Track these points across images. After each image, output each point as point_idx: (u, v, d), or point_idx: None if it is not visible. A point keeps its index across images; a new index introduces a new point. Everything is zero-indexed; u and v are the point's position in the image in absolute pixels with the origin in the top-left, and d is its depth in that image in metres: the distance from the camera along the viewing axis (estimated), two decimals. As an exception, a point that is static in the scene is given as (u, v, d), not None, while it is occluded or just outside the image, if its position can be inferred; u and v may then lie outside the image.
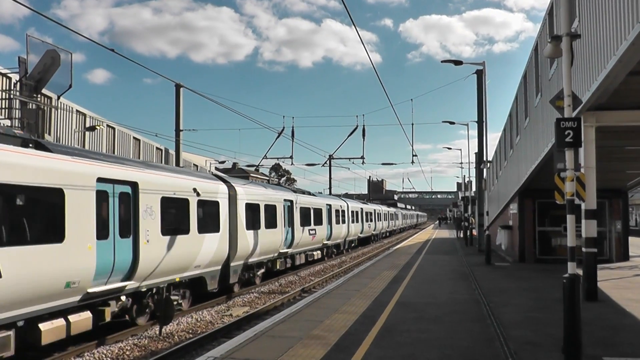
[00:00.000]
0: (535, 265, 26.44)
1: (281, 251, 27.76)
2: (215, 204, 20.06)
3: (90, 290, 13.11)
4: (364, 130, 42.42)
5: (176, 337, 15.35)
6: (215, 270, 20.08)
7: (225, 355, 9.71)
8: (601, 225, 26.05)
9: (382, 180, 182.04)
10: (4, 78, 28.00)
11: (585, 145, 14.74)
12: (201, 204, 18.79)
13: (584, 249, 15.09)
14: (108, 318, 14.21)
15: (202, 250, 18.66)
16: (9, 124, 21.07)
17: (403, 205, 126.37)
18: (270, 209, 26.07)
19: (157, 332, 15.48)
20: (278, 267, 27.98)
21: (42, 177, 11.71)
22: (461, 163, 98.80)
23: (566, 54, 10.15)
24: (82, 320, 13.07)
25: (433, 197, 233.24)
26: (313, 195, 36.35)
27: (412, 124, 64.87)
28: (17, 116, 20.54)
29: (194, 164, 53.86)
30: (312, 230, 33.23)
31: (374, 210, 60.52)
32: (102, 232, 13.56)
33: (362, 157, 47.54)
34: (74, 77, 20.47)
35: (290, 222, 29.32)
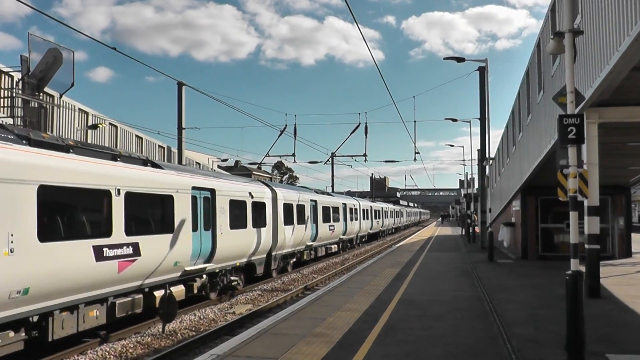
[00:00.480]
0: (538, 262, 26.42)
1: (308, 244, 32.66)
2: (263, 205, 24.91)
3: (187, 268, 17.78)
4: (366, 127, 42.32)
5: (179, 334, 15.36)
6: (261, 258, 25.02)
7: (228, 353, 9.71)
8: (604, 221, 26.01)
9: (385, 177, 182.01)
10: (6, 76, 28.02)
11: (588, 142, 14.72)
12: (254, 204, 23.64)
13: (586, 246, 15.08)
14: (195, 291, 18.77)
15: (254, 242, 23.54)
16: (11, 122, 21.08)
17: (405, 203, 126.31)
18: (300, 208, 30.90)
19: (160, 330, 15.49)
20: (305, 258, 32.81)
21: (161, 186, 16.55)
22: (464, 160, 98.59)
23: (569, 51, 10.13)
24: (179, 291, 17.40)
25: (435, 194, 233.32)
26: (331, 195, 42.14)
27: (415, 121, 64.95)
28: (19, 114, 20.54)
29: (196, 162, 53.88)
30: (331, 226, 38.27)
31: (382, 208, 65.10)
32: (194, 226, 18.33)
33: (365, 155, 47.43)
34: (76, 75, 20.48)
35: (314, 219, 34.02)
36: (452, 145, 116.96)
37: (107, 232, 13.99)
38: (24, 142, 12.05)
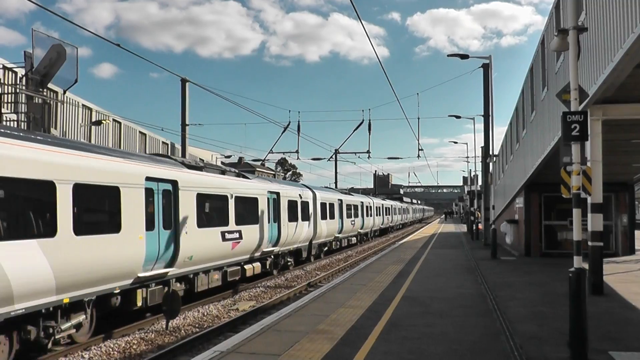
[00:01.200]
0: (541, 259, 26.41)
1: (336, 235, 39.23)
2: (307, 203, 31.70)
3: (264, 250, 24.38)
4: (369, 124, 42.36)
5: (183, 331, 15.39)
6: (306, 245, 32.00)
7: (231, 350, 9.73)
8: (607, 219, 25.96)
9: (388, 174, 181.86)
10: (10, 72, 28.07)
11: (592, 139, 14.69)
12: (302, 203, 30.56)
13: (590, 243, 15.07)
14: (267, 267, 25.17)
15: (303, 232, 30.60)
16: (15, 118, 21.12)
17: (409, 200, 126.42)
18: (331, 206, 37.63)
19: (164, 326, 15.53)
20: (333, 247, 39.92)
21: (252, 192, 23.31)
22: (467, 157, 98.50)
23: (573, 48, 10.11)
24: (257, 266, 23.75)
25: (439, 191, 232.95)
26: (352, 195, 48.49)
27: (418, 118, 64.67)
28: (23, 110, 20.58)
29: (199, 159, 53.92)
30: (352, 221, 44.77)
31: (391, 205, 73.15)
32: (274, 218, 25.41)
33: (368, 152, 47.45)
34: (79, 71, 20.52)
35: (340, 215, 40.47)
36: (455, 142, 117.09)
37: (227, 223, 20.52)
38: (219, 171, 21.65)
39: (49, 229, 11.73)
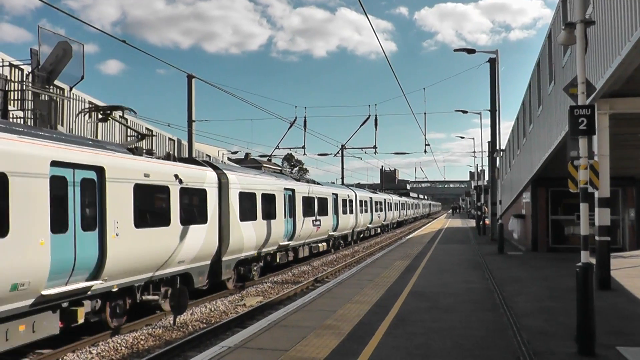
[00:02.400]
0: (548, 254, 26.36)
1: (368, 226, 49.69)
2: (352, 201, 42.29)
3: (330, 233, 35.13)
4: (376, 119, 42.21)
5: (190, 326, 15.43)
6: (350, 232, 42.33)
7: (239, 345, 9.75)
8: (614, 213, 25.90)
9: (395, 169, 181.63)
10: (17, 70, 28.13)
11: (599, 133, 14.65)
12: (349, 201, 41.27)
13: (597, 238, 15.03)
14: (331, 245, 35.73)
15: (350, 222, 41.36)
16: (22, 115, 21.17)
17: (416, 195, 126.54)
18: (365, 202, 47.59)
19: (171, 322, 15.56)
20: (365, 234, 49.18)
21: (323, 194, 33.87)
22: (474, 152, 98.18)
23: (580, 41, 10.06)
24: (324, 245, 33.57)
25: (445, 186, 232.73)
26: (377, 192, 59.17)
27: (425, 113, 64.60)
28: (29, 107, 20.62)
29: (206, 154, 53.97)
30: (378, 215, 54.46)
31: (406, 201, 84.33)
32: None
33: (375, 147, 47.29)
34: (86, 68, 20.51)
35: (370, 209, 49.54)
36: (462, 137, 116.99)
37: (313, 214, 30.91)
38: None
39: None
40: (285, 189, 26.56)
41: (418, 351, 9.29)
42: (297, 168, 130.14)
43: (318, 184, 35.34)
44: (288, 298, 19.67)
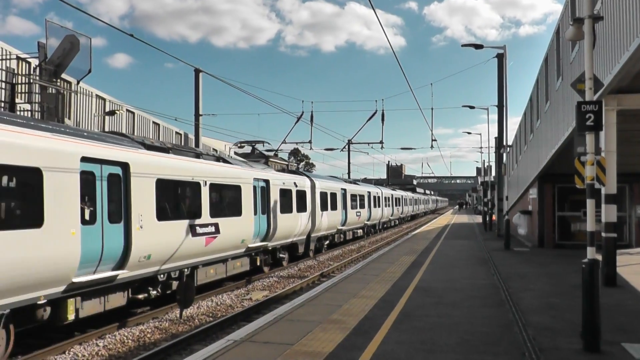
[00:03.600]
0: (554, 251, 26.33)
1: (389, 218, 58.65)
2: (379, 197, 50.88)
3: (366, 222, 45.24)
4: (383, 114, 42.29)
5: (196, 320, 15.48)
6: (378, 222, 51.84)
7: (245, 339, 9.78)
8: (621, 210, 25.80)
9: (401, 165, 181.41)
10: (24, 63, 28.22)
11: (606, 129, 14.62)
12: (380, 197, 51.70)
13: (603, 234, 15.00)
14: (364, 232, 45.46)
15: (379, 214, 50.81)
16: (29, 108, 21.23)
17: (422, 191, 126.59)
18: (388, 199, 57.16)
19: (178, 316, 15.62)
20: (379, 227, 54.16)
21: (360, 192, 42.89)
22: (481, 147, 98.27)
23: (588, 37, 10.03)
24: (361, 230, 43.84)
25: (452, 182, 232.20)
26: (395, 190, 68.86)
27: (432, 109, 64.66)
28: (37, 100, 20.68)
29: (213, 149, 54.02)
30: (397, 208, 63.99)
31: (417, 197, 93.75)
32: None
33: (381, 142, 47.46)
34: (93, 61, 20.57)
35: (391, 204, 58.96)
36: (469, 133, 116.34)
37: (356, 207, 40.43)
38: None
39: None
40: (341, 188, 37.25)
41: (423, 346, 9.30)
42: (303, 163, 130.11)
43: (357, 183, 46.86)
44: (294, 292, 19.70)
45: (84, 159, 12.63)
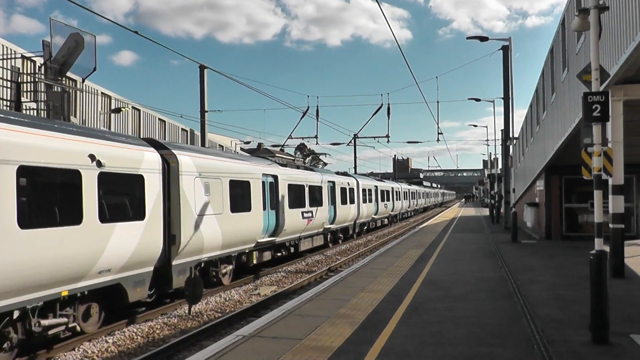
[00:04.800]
0: (561, 243, 26.29)
1: (407, 209, 67.96)
2: (399, 192, 60.62)
3: (391, 213, 56.05)
4: (388, 108, 42.17)
5: (205, 316, 15.52)
6: (389, 215, 54.74)
7: (254, 334, 9.81)
8: (628, 201, 25.72)
9: (408, 158, 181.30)
10: (29, 61, 28.27)
11: (613, 120, 14.56)
12: (405, 193, 66.95)
13: (611, 225, 14.96)
14: (388, 220, 54.99)
15: (400, 206, 61.89)
16: (35, 107, 21.28)
17: (429, 184, 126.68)
18: (406, 193, 66.48)
19: (186, 312, 15.66)
20: (399, 218, 63.41)
21: (386, 188, 52.88)
22: (487, 140, 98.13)
23: (594, 27, 9.99)
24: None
25: (459, 175, 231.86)
26: (411, 185, 78.81)
27: (438, 102, 64.46)
28: (42, 99, 20.73)
29: (219, 145, 54.07)
30: (412, 202, 73.98)
31: (428, 190, 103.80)
32: (403, 198, 61.64)
33: (387, 136, 47.32)
34: (98, 59, 20.60)
35: (408, 197, 67.64)
36: (475, 126, 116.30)
37: (388, 199, 53.01)
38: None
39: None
40: (374, 185, 47.09)
41: (432, 339, 9.31)
42: (310, 157, 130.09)
43: (383, 181, 55.39)
44: (302, 287, 19.74)
45: (264, 175, 22.77)
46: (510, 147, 38.06)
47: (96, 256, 12.58)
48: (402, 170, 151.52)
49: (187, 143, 46.28)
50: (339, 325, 10.40)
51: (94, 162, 12.70)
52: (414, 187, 78.23)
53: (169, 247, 15.66)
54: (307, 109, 39.61)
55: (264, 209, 22.22)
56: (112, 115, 38.40)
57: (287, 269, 24.16)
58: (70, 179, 12.13)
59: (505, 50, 35.47)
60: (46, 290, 11.41)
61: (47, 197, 11.77)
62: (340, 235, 36.12)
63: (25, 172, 10.80)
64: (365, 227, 44.14)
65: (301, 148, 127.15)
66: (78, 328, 12.67)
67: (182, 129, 49.89)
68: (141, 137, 19.12)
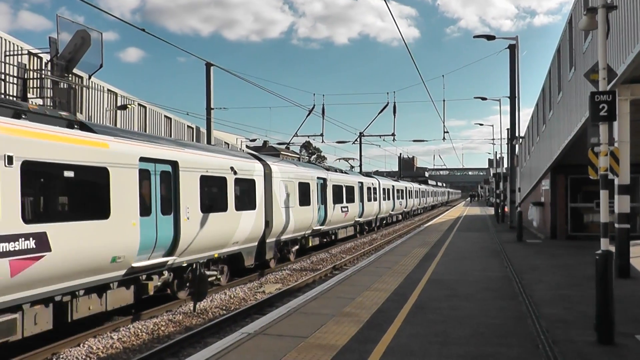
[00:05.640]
0: (567, 242, 26.23)
1: (420, 206, 76.75)
2: (413, 191, 69.58)
3: (404, 210, 62.01)
4: (394, 107, 42.14)
5: (210, 313, 15.54)
6: (417, 209, 74.48)
7: (259, 331, 9.81)
8: (634, 200, 25.63)
9: (413, 157, 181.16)
10: (36, 58, 28.34)
11: (620, 119, 14.51)
12: (418, 191, 75.15)
13: (616, 225, 14.92)
14: (401, 217, 60.78)
15: (413, 203, 69.43)
16: (41, 103, 21.34)
17: (434, 183, 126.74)
18: (421, 192, 76.36)
19: (191, 309, 15.69)
20: (411, 214, 69.22)
21: (402, 187, 59.50)
22: (493, 139, 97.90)
23: (602, 26, 9.96)
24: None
25: (464, 173, 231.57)
26: (421, 185, 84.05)
27: (444, 100, 64.22)
28: (49, 95, 20.78)
29: (225, 142, 54.12)
30: (424, 200, 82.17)
31: (436, 189, 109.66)
32: (415, 196, 70.78)
33: (393, 134, 47.23)
34: (105, 56, 20.71)
35: (420, 196, 75.69)
36: (481, 124, 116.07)
37: (403, 197, 59.78)
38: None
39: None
40: (405, 187, 59.39)
41: (437, 339, 9.30)
42: (315, 156, 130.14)
43: (398, 181, 60.74)
44: (307, 285, 19.75)
45: (318, 178, 28.66)
46: (516, 146, 38.01)
47: (233, 233, 18.77)
48: (407, 169, 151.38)
49: (192, 140, 46.31)
50: (343, 323, 10.40)
51: (232, 171, 18.90)
52: (423, 187, 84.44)
53: (265, 229, 21.63)
54: (313, 107, 39.62)
55: (317, 204, 28.53)
56: (118, 112, 38.47)
57: (292, 267, 24.17)
58: (221, 182, 18.28)
59: (512, 49, 35.44)
60: (208, 252, 17.42)
61: (213, 194, 17.85)
62: (366, 227, 42.49)
63: (203, 179, 16.87)
64: (384, 222, 50.25)
65: (306, 146, 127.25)
66: (221, 279, 18.90)
67: (188, 126, 49.96)
68: (249, 152, 26.09)
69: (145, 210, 14.21)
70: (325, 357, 8.35)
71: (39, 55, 27.58)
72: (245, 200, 19.98)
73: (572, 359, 8.24)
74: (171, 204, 15.36)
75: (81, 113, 32.85)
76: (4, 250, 10.06)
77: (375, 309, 11.69)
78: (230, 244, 18.75)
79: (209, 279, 17.17)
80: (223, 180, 18.34)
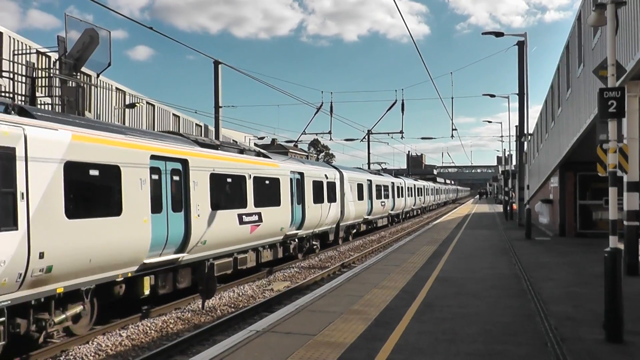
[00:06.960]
0: (576, 240, 26.14)
1: (432, 203, 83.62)
2: (433, 189, 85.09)
3: (414, 207, 64.51)
4: (403, 104, 42.10)
5: (218, 311, 15.58)
6: (428, 205, 78.14)
7: (267, 329, 9.83)
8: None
9: (421, 154, 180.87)
10: (44, 57, 28.43)
11: (629, 116, 14.43)
12: (437, 189, 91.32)
13: (625, 223, 14.85)
14: (419, 212, 70.04)
15: (427, 200, 76.06)
16: (49, 102, 21.42)
17: (443, 180, 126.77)
18: (432, 190, 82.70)
19: (200, 306, 15.72)
20: (432, 207, 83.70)
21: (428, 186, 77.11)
22: (501, 136, 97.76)
23: (611, 22, 9.91)
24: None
25: (473, 171, 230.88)
26: (438, 184, 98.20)
27: (452, 98, 64.16)
28: (57, 94, 20.84)
29: (233, 140, 54.14)
30: (439, 196, 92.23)
31: (446, 187, 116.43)
32: (427, 194, 78.21)
33: (401, 132, 47.19)
34: (114, 54, 20.79)
35: (434, 193, 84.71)
36: (490, 122, 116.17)
37: (415, 195, 64.19)
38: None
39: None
40: (429, 184, 77.04)
41: (445, 336, 9.29)
42: (323, 153, 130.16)
43: (417, 180, 69.73)
44: (315, 283, 19.76)
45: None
46: (525, 143, 37.91)
47: (324, 217, 28.23)
48: (416, 167, 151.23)
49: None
50: (352, 321, 10.40)
51: (326, 177, 29.45)
52: (437, 185, 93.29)
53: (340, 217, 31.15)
54: (321, 105, 39.64)
55: (367, 199, 38.31)
56: (127, 110, 38.56)
57: (300, 265, 24.19)
58: (320, 184, 28.27)
59: (521, 45, 35.33)
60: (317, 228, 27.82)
61: (317, 191, 27.31)
62: (396, 218, 52.12)
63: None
64: (407, 215, 59.45)
65: (315, 144, 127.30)
66: (317, 246, 28.34)
67: (197, 124, 50.03)
68: (323, 161, 35.27)
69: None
70: (333, 354, 8.35)
71: (48, 54, 27.67)
72: (332, 196, 29.68)
73: (580, 357, 8.21)
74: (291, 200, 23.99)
75: (89, 111, 32.95)
76: None
77: (383, 306, 11.68)
78: (321, 225, 27.85)
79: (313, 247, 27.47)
80: (321, 183, 28.02)
